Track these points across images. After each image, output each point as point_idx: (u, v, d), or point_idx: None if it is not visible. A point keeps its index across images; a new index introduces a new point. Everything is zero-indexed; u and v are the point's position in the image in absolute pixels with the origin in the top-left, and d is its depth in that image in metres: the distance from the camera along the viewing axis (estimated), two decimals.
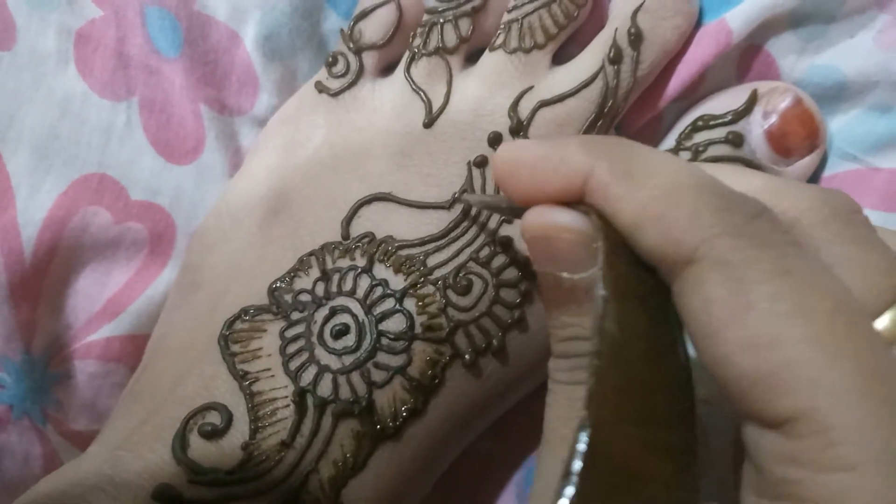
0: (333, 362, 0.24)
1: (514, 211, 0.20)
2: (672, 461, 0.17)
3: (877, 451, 0.14)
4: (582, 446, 0.15)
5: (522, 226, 0.19)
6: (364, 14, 0.29)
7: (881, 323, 0.17)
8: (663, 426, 0.17)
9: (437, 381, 0.24)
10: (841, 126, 0.29)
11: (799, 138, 0.28)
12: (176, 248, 0.30)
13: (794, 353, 0.15)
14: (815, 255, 0.17)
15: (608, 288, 0.17)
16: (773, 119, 0.27)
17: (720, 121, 0.28)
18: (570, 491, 0.15)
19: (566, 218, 0.18)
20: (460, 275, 0.25)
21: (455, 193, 0.26)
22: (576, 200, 0.18)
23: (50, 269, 0.28)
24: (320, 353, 0.24)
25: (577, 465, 0.15)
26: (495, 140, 0.26)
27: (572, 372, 0.18)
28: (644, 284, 0.17)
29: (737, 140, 0.27)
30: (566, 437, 0.17)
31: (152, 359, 0.27)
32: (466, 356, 0.24)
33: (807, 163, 0.28)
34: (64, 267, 0.29)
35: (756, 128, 0.28)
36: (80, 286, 0.29)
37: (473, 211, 0.26)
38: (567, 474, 0.15)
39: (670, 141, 0.28)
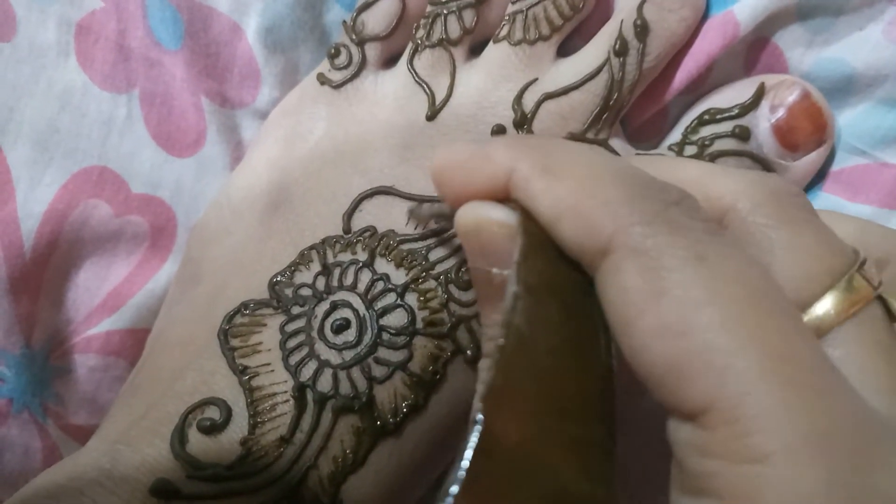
0: (334, 357, 0.23)
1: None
2: (582, 454, 0.16)
3: (788, 439, 0.14)
4: (473, 440, 0.15)
5: (455, 221, 0.19)
6: (367, 5, 0.28)
7: (821, 308, 0.16)
8: (576, 420, 0.17)
9: (438, 376, 0.24)
10: (849, 120, 0.29)
11: (806, 133, 0.27)
12: (177, 241, 0.30)
13: (705, 341, 0.15)
14: (735, 241, 0.16)
15: (519, 283, 0.16)
16: (781, 113, 0.27)
17: (727, 114, 0.27)
18: (453, 489, 0.15)
19: (495, 213, 0.18)
20: (462, 269, 0.24)
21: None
22: (504, 198, 0.18)
23: (50, 263, 0.28)
24: (321, 347, 0.24)
25: (467, 460, 0.15)
26: (499, 133, 0.26)
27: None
28: (567, 280, 0.17)
29: (743, 134, 0.27)
30: None
31: (152, 353, 0.27)
32: (468, 351, 0.24)
33: (814, 157, 0.28)
34: (64, 260, 0.28)
35: (763, 122, 0.27)
36: (80, 280, 0.29)
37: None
38: (456, 471, 0.15)
39: (676, 135, 0.28)
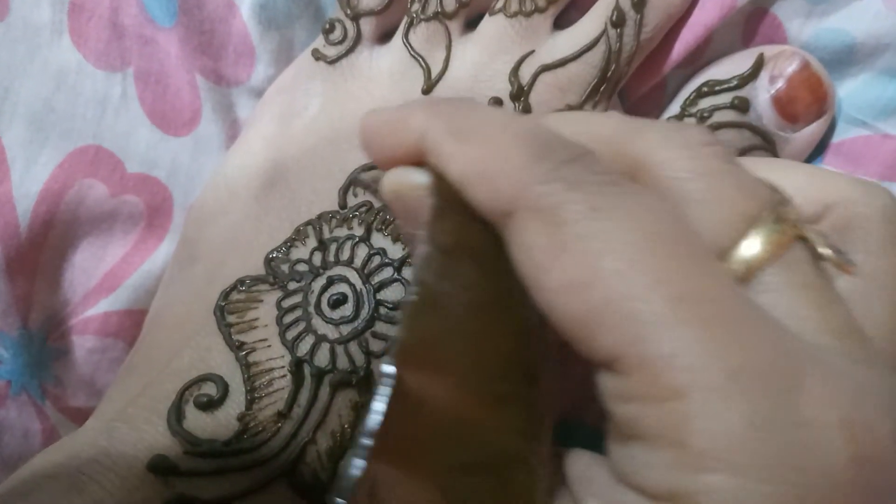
0: (331, 332, 0.23)
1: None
2: (508, 412, 0.17)
3: (703, 375, 0.14)
4: (384, 391, 0.15)
5: (380, 187, 0.19)
6: None
7: (741, 253, 0.16)
8: (500, 377, 0.17)
9: None
10: (850, 91, 0.28)
11: (806, 104, 0.27)
12: (173, 221, 0.29)
13: (609, 289, 0.15)
14: (638, 190, 0.16)
15: (430, 242, 0.16)
16: (780, 84, 0.27)
17: (725, 86, 0.27)
18: (359, 460, 0.15)
19: (412, 176, 0.18)
20: None
21: None
22: (422, 161, 0.18)
23: (46, 243, 0.28)
24: (317, 322, 0.23)
25: (377, 414, 0.15)
26: (495, 105, 0.26)
27: None
28: (483, 240, 0.17)
29: (742, 105, 0.27)
30: None
31: (149, 333, 0.27)
32: None
33: (814, 129, 0.27)
34: (60, 240, 0.28)
35: (762, 93, 0.27)
36: (76, 260, 0.29)
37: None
38: (364, 423, 0.15)
39: (675, 107, 0.28)
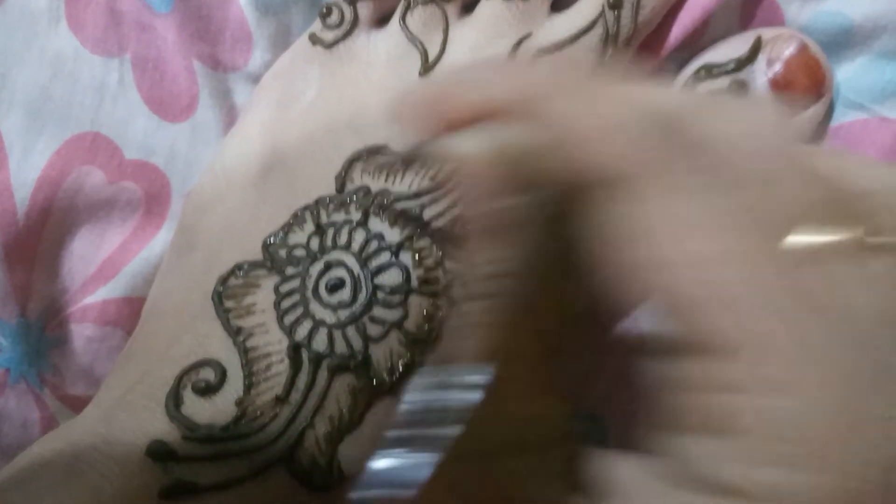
0: (329, 317, 0.23)
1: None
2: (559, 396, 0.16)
3: (809, 367, 0.14)
4: (477, 377, 0.15)
5: (449, 151, 0.18)
6: None
7: (796, 238, 0.16)
8: (537, 361, 0.17)
9: (433, 334, 0.24)
10: (848, 74, 0.28)
11: (804, 87, 0.27)
12: (171, 208, 0.29)
13: (715, 272, 0.14)
14: (740, 174, 0.16)
15: (534, 218, 0.16)
16: (778, 67, 0.27)
17: (723, 69, 0.27)
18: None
19: (490, 140, 0.17)
20: (457, 226, 0.24)
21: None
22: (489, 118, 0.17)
23: (44, 231, 0.28)
24: (315, 307, 0.23)
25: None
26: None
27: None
28: (542, 213, 0.17)
29: (740, 89, 0.27)
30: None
31: (147, 321, 0.27)
32: None
33: (812, 112, 0.27)
34: (59, 228, 0.28)
35: (760, 76, 0.27)
36: (75, 248, 0.29)
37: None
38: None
39: None
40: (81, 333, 0.29)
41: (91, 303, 0.29)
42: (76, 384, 0.30)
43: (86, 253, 0.29)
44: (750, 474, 0.14)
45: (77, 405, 0.30)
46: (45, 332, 0.29)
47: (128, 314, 0.29)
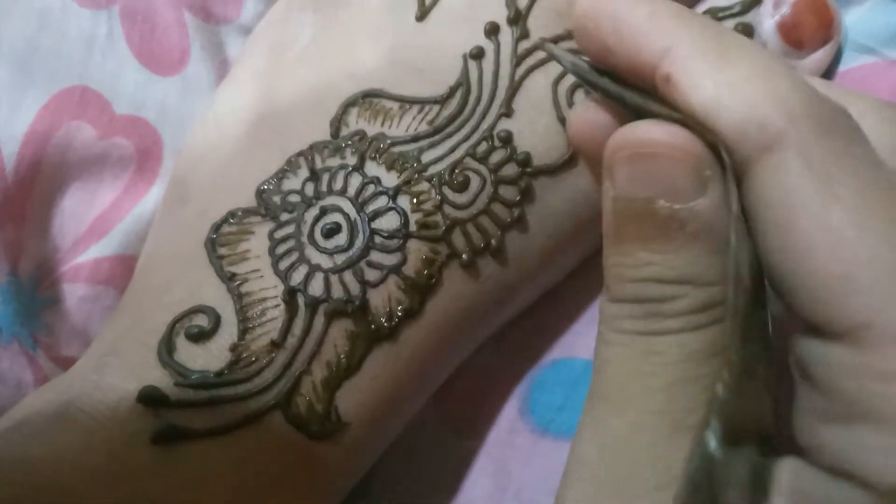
0: (325, 261, 0.23)
1: (591, 78, 0.19)
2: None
3: None
4: (713, 445, 0.14)
5: (619, 140, 0.17)
6: None
7: None
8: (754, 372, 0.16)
9: (433, 280, 0.23)
10: (857, 18, 0.27)
11: (812, 28, 0.26)
12: (163, 164, 0.29)
13: (874, 254, 0.14)
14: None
15: (737, 235, 0.15)
16: (785, 9, 0.26)
17: (728, 12, 0.26)
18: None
19: (677, 136, 0.16)
20: (456, 171, 0.24)
21: (450, 86, 0.24)
22: (647, 72, 0.17)
23: (34, 188, 0.27)
24: (311, 252, 0.23)
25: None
26: (492, 31, 0.25)
27: (647, 320, 0.17)
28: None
29: (747, 32, 0.26)
30: (648, 405, 0.16)
31: (140, 273, 0.27)
32: (464, 255, 0.23)
33: (821, 55, 0.27)
34: (49, 185, 0.28)
35: (767, 19, 0.26)
36: (66, 205, 0.28)
37: (469, 106, 0.24)
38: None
39: None
40: (74, 293, 0.29)
41: (83, 262, 0.28)
42: (70, 345, 0.29)
43: (77, 210, 0.28)
44: None
45: (71, 366, 0.29)
46: (37, 292, 0.28)
47: (121, 272, 0.29)
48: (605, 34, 0.17)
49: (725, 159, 0.16)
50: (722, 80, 0.16)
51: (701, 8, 0.27)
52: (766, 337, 0.16)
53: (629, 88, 0.18)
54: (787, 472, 0.16)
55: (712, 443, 0.15)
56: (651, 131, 0.16)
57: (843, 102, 0.16)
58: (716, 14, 0.26)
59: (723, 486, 0.15)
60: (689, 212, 0.16)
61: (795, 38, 0.26)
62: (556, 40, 0.25)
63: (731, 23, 0.26)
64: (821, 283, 0.14)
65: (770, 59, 0.16)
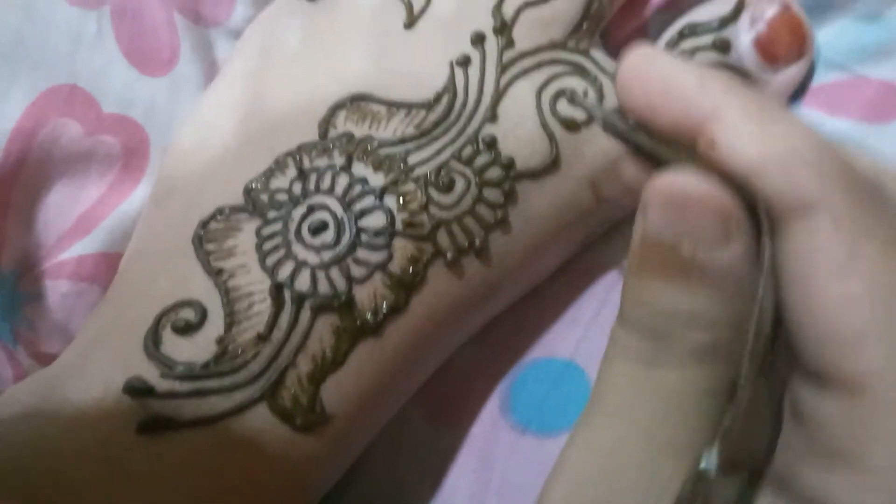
0: (311, 257, 0.23)
1: (623, 131, 0.20)
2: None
3: None
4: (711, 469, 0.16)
5: (657, 184, 0.18)
6: None
7: None
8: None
9: (418, 277, 0.23)
10: (829, 36, 0.28)
11: (786, 45, 0.27)
12: (150, 163, 0.29)
13: (885, 321, 0.15)
14: None
15: (766, 289, 0.17)
16: (761, 26, 0.27)
17: (706, 27, 0.27)
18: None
19: (711, 190, 0.17)
20: (442, 172, 0.24)
21: (437, 92, 0.25)
22: (690, 133, 0.18)
23: (19, 182, 0.27)
24: (298, 249, 0.23)
25: None
26: (478, 39, 0.26)
27: (654, 350, 0.18)
28: None
29: (724, 46, 0.27)
30: (640, 425, 0.17)
31: (125, 267, 0.27)
32: (448, 254, 0.24)
33: (794, 71, 0.27)
34: (34, 180, 0.28)
35: (743, 34, 0.27)
36: (51, 201, 0.28)
37: (455, 111, 0.25)
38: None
39: None
40: (57, 289, 0.29)
41: (67, 258, 0.29)
42: (51, 341, 0.29)
43: (62, 206, 0.28)
44: None
45: (51, 363, 0.29)
46: (18, 288, 0.28)
47: (104, 270, 0.29)
48: (652, 94, 0.18)
49: (763, 218, 0.17)
50: (764, 147, 0.17)
51: (679, 24, 0.28)
52: (773, 378, 0.18)
53: (662, 142, 0.19)
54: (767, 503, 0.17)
55: (711, 466, 0.16)
56: (688, 181, 0.17)
57: (878, 172, 0.18)
58: (694, 29, 0.27)
59: None
60: (711, 259, 0.17)
61: (771, 54, 0.27)
62: (537, 51, 0.26)
63: (708, 38, 0.27)
64: (831, 338, 0.16)
65: (807, 128, 0.17)
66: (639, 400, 0.18)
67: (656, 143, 0.19)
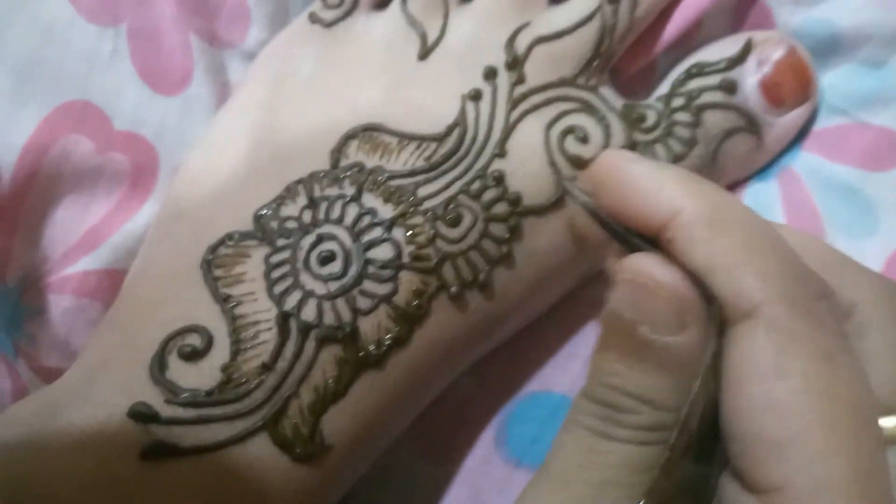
0: (319, 287, 0.23)
1: (603, 218, 0.21)
2: None
3: None
4: None
5: (623, 266, 0.19)
6: None
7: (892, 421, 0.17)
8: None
9: (422, 311, 0.24)
10: (832, 81, 0.29)
11: (791, 88, 0.28)
12: (158, 181, 0.29)
13: (803, 434, 0.16)
14: (852, 348, 0.18)
15: (702, 385, 0.17)
16: (767, 69, 0.27)
17: (714, 68, 0.28)
18: None
19: (672, 278, 0.18)
20: (450, 206, 0.24)
21: (448, 125, 0.25)
22: (654, 231, 0.19)
23: (28, 197, 0.28)
24: (305, 278, 0.23)
25: None
26: (490, 74, 0.26)
27: (603, 422, 0.18)
28: None
29: (730, 87, 0.27)
30: (580, 494, 0.18)
31: (130, 288, 0.27)
32: (453, 288, 0.24)
33: (798, 114, 0.28)
34: (43, 195, 0.28)
35: (749, 76, 0.27)
36: (58, 216, 0.28)
37: (465, 145, 0.25)
38: None
39: (665, 87, 0.28)
40: (59, 304, 0.29)
41: (71, 273, 0.29)
42: (50, 355, 0.29)
43: (69, 222, 0.28)
44: None
45: (50, 377, 0.29)
46: (21, 302, 0.28)
47: (107, 287, 0.29)
48: (618, 196, 0.20)
49: (713, 315, 0.18)
50: (713, 251, 0.18)
51: (687, 63, 0.28)
52: (709, 470, 0.19)
53: (637, 235, 0.20)
54: None
55: None
56: (652, 267, 0.18)
57: (846, 280, 0.19)
58: (702, 69, 0.28)
59: None
60: (664, 344, 0.18)
61: (776, 96, 0.27)
62: (547, 87, 0.26)
63: (716, 78, 0.28)
64: (752, 443, 0.16)
65: (762, 233, 0.18)
66: (581, 471, 0.18)
67: (629, 232, 0.20)
